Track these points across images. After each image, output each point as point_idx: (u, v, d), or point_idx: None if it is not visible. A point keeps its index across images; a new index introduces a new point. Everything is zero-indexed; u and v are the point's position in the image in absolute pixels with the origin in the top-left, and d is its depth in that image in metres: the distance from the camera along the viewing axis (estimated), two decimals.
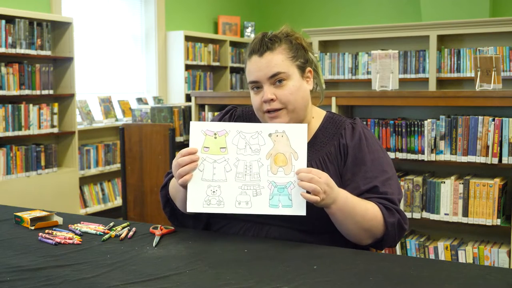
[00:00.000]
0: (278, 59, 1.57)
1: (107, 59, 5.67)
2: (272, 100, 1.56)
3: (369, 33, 5.70)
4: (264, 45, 1.58)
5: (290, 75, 1.58)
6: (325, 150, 1.63)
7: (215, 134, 1.52)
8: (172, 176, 1.67)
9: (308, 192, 1.45)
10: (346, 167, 1.61)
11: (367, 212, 1.52)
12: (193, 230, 1.68)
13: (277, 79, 1.57)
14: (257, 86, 1.60)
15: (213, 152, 1.51)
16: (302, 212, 1.47)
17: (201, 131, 1.53)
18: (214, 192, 1.50)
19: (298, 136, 1.50)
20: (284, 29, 1.64)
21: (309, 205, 1.47)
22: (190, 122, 1.56)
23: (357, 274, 1.26)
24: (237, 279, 1.23)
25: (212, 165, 1.51)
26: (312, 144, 1.63)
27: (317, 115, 1.71)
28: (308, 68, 1.64)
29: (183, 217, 1.71)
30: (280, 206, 1.48)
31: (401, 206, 3.05)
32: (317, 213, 1.51)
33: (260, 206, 1.48)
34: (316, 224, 1.55)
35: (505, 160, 2.87)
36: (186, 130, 4.07)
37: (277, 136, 1.51)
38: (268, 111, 1.58)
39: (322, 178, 1.44)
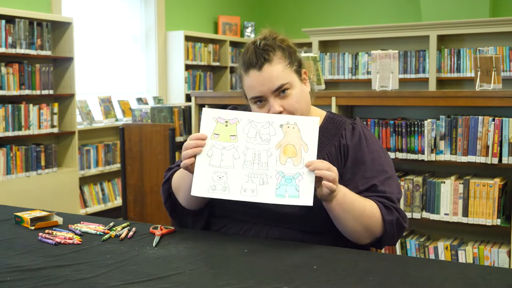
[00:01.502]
0: (278, 70, 1.56)
1: (107, 59, 5.67)
2: (280, 112, 1.56)
3: (369, 33, 5.70)
4: (260, 57, 1.56)
5: (292, 83, 1.58)
6: (326, 151, 1.64)
7: (226, 121, 1.52)
8: (175, 171, 1.68)
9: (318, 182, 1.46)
10: (347, 168, 1.62)
11: (365, 209, 1.52)
12: (193, 230, 1.68)
13: (281, 90, 1.57)
14: (261, 100, 1.59)
15: (223, 139, 1.51)
16: (309, 202, 1.45)
17: (213, 118, 1.52)
18: (220, 178, 1.49)
19: (309, 129, 1.49)
20: (267, 33, 1.63)
21: (310, 206, 1.47)
22: (203, 108, 1.56)
23: (357, 274, 1.26)
24: (237, 279, 1.23)
25: (220, 151, 1.50)
26: None
27: (317, 116, 1.71)
28: (303, 70, 1.65)
29: (183, 212, 1.71)
30: (286, 196, 1.46)
31: (401, 206, 3.06)
32: (318, 213, 1.51)
33: (266, 195, 1.47)
34: (317, 224, 1.56)
35: (505, 160, 2.87)
36: (186, 130, 4.07)
37: (288, 127, 1.50)
38: None
39: (335, 169, 1.46)
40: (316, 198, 1.47)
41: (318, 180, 1.45)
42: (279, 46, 1.60)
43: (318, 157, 1.61)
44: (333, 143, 1.65)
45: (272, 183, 1.47)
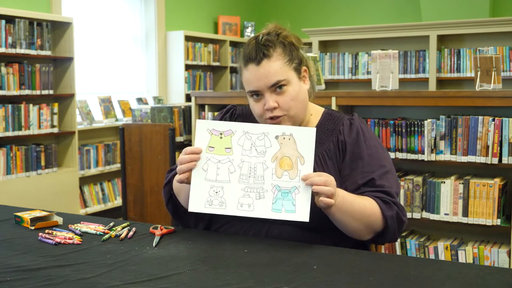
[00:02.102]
0: (276, 66, 1.57)
1: (107, 59, 5.67)
2: (274, 108, 1.57)
3: (369, 33, 5.70)
4: (259, 52, 1.57)
5: (289, 80, 1.58)
6: (324, 147, 1.65)
7: (221, 134, 1.51)
8: (176, 173, 1.68)
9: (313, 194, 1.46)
10: (345, 163, 1.63)
11: (365, 208, 1.53)
12: (193, 230, 1.68)
13: (277, 86, 1.57)
14: (257, 94, 1.60)
15: (218, 152, 1.50)
16: (305, 218, 1.45)
17: (207, 130, 1.51)
18: (217, 192, 1.49)
19: (305, 140, 1.48)
20: (272, 28, 1.63)
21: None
22: (197, 120, 1.55)
23: (357, 274, 1.26)
24: (237, 279, 1.23)
25: (216, 165, 1.50)
26: None
27: (315, 112, 1.73)
28: (304, 68, 1.65)
29: (185, 214, 1.71)
30: (283, 211, 1.46)
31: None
32: (317, 211, 1.51)
33: (263, 210, 1.47)
34: (317, 221, 1.56)
35: (505, 160, 2.87)
36: (186, 130, 4.07)
37: (284, 138, 1.49)
38: (271, 118, 1.59)
39: (333, 181, 1.46)
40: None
41: (316, 193, 1.45)
42: (281, 43, 1.60)
43: (317, 153, 1.62)
44: (331, 140, 1.66)
45: (269, 198, 1.47)
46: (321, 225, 1.58)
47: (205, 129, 1.52)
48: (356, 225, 1.53)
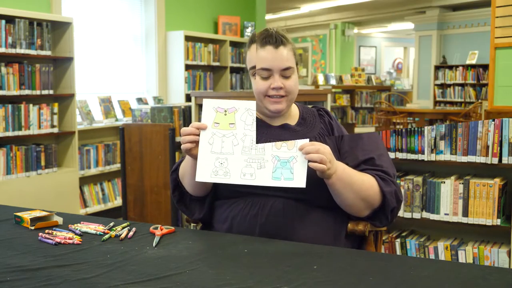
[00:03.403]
0: (289, 55, 1.76)
1: (107, 59, 5.67)
2: (280, 88, 1.73)
3: None
4: (278, 38, 1.75)
5: (294, 70, 1.77)
6: (318, 128, 1.80)
7: (225, 111, 1.64)
8: (182, 161, 1.80)
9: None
10: (343, 142, 1.77)
11: (363, 182, 1.64)
12: (193, 230, 1.69)
13: (286, 71, 1.74)
14: (267, 72, 1.75)
15: (222, 127, 1.63)
16: (302, 184, 1.55)
17: (213, 108, 1.64)
18: (221, 164, 1.60)
19: None
20: (280, 30, 1.80)
21: (311, 177, 1.56)
22: (203, 99, 1.66)
23: (357, 274, 1.27)
24: (237, 279, 1.23)
25: (221, 139, 1.61)
26: (304, 123, 1.81)
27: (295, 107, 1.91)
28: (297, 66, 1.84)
29: (191, 201, 1.81)
30: (282, 179, 1.57)
31: (401, 207, 3.06)
32: (319, 183, 1.61)
33: (264, 178, 1.58)
34: (318, 194, 1.64)
35: (505, 160, 2.87)
36: None
37: None
38: (273, 96, 1.74)
39: (326, 149, 1.56)
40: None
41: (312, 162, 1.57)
42: (289, 41, 1.80)
43: (314, 133, 1.78)
44: (319, 121, 1.83)
45: (269, 167, 1.58)
46: (322, 198, 1.66)
47: (211, 107, 1.64)
48: (355, 198, 1.63)
